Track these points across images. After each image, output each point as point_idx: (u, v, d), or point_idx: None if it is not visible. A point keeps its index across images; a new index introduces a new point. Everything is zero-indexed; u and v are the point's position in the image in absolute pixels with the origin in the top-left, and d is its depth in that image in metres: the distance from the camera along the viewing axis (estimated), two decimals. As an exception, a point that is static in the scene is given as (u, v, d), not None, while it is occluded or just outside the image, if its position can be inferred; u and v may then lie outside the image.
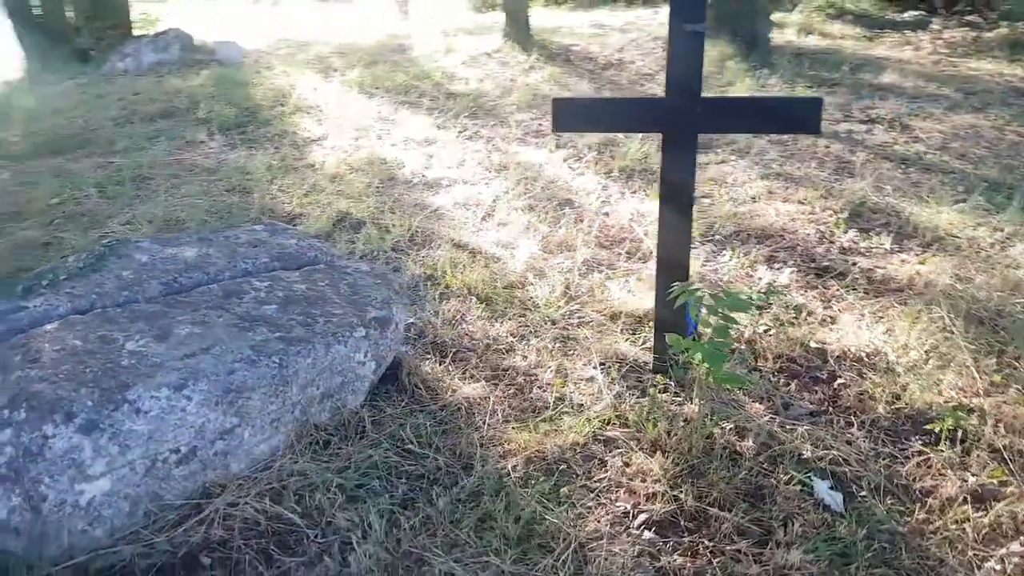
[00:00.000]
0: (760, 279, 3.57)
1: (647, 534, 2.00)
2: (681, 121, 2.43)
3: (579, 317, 3.22)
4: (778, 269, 3.65)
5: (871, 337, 2.93)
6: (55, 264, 2.47)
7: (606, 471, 2.24)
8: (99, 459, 1.85)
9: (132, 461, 1.91)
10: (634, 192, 4.73)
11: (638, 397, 2.61)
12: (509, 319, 3.18)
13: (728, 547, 1.94)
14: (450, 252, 3.82)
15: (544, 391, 2.65)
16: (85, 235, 4.02)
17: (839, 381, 2.68)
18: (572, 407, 2.55)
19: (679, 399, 2.57)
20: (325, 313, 2.45)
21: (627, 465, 2.26)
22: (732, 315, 2.38)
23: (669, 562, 1.90)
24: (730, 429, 2.41)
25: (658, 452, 2.30)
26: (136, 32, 11.53)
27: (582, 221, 4.24)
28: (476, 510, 2.05)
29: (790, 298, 3.33)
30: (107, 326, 2.19)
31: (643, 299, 3.20)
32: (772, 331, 3.02)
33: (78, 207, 4.48)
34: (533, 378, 2.73)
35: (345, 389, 2.38)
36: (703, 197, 4.67)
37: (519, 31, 9.56)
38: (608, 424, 2.46)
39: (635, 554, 1.92)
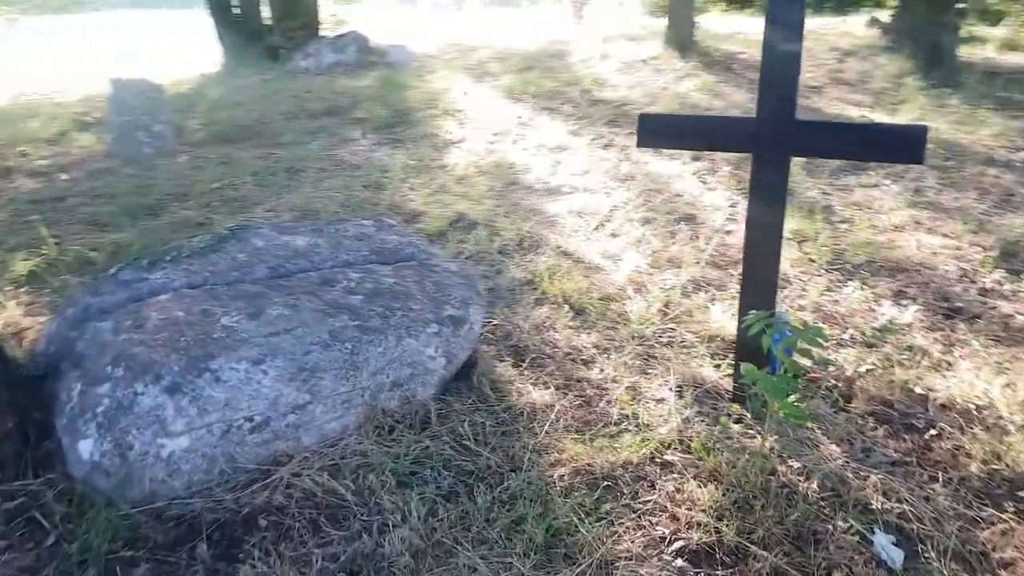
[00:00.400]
0: (881, 315, 3.34)
1: (679, 562, 1.96)
2: (772, 143, 2.34)
3: (670, 336, 3.17)
4: (904, 306, 3.39)
5: (986, 388, 2.66)
6: (182, 243, 2.78)
7: (654, 493, 2.21)
8: (179, 418, 2.08)
9: (209, 424, 2.13)
10: None
11: (708, 424, 2.54)
12: (597, 331, 3.19)
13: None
14: (554, 259, 3.87)
15: (612, 406, 2.65)
16: (234, 218, 4.46)
17: (934, 431, 2.47)
18: (636, 426, 2.53)
19: (751, 431, 2.48)
20: (404, 307, 2.58)
21: (678, 491, 2.22)
22: (808, 348, 2.27)
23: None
24: (796, 468, 2.29)
25: (713, 482, 2.23)
26: (323, 33, 12.48)
27: (699, 238, 4.14)
28: (512, 512, 2.10)
29: (908, 338, 3.10)
30: (210, 301, 2.45)
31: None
32: (877, 371, 2.82)
33: (234, 192, 4.96)
34: (604, 392, 2.73)
35: (415, 381, 2.50)
36: (841, 222, 4.43)
37: (681, 37, 9.43)
38: (669, 447, 2.42)
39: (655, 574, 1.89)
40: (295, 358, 2.26)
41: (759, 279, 2.49)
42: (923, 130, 2.17)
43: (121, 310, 2.41)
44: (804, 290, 3.58)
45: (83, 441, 2.06)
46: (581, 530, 2.04)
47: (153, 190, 5.01)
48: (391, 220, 3.52)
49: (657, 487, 2.24)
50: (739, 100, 7.21)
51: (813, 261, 3.89)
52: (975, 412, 2.58)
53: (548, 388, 2.76)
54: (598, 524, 2.08)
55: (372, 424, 2.45)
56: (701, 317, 3.31)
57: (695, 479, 2.26)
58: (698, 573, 1.93)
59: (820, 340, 2.35)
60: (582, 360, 2.99)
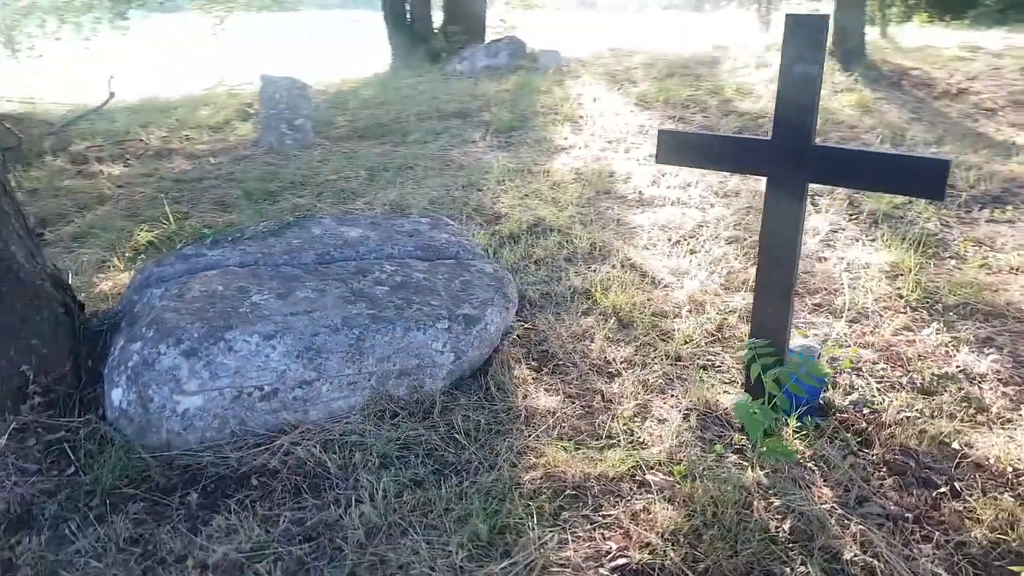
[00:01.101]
0: (955, 362, 3.07)
1: (616, 579, 1.97)
2: (786, 168, 2.26)
3: (709, 359, 3.11)
4: (986, 354, 3.10)
5: None
6: (247, 226, 3.10)
7: (617, 509, 2.21)
8: (193, 379, 2.36)
9: (221, 388, 2.40)
10: (871, 240, 4.29)
11: (703, 450, 2.48)
12: (634, 346, 3.18)
13: (685, 620, 1.84)
14: (619, 271, 3.87)
15: (613, 420, 2.65)
16: (338, 207, 4.83)
17: (948, 489, 2.27)
18: (630, 443, 2.53)
19: (745, 463, 2.40)
20: (423, 302, 2.74)
21: (644, 511, 2.21)
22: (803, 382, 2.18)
23: (617, 612, 1.86)
24: (775, 506, 2.20)
25: (682, 507, 2.20)
26: (492, 38, 12.98)
27: None
28: (469, 505, 2.18)
29: (972, 388, 2.84)
30: (250, 280, 2.73)
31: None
32: (918, 418, 2.62)
33: (345, 184, 5.36)
34: (611, 406, 2.74)
35: (423, 372, 2.65)
36: (951, 258, 4.09)
37: (848, 48, 8.95)
38: (652, 467, 2.40)
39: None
40: (303, 337, 2.47)
41: (769, 310, 2.40)
42: (945, 165, 2.01)
43: (174, 280, 2.75)
44: (878, 327, 3.36)
45: (115, 390, 2.39)
46: (528, 532, 2.09)
47: (279, 178, 5.52)
48: (448, 219, 3.69)
49: (623, 504, 2.23)
50: (892, 120, 6.74)
51: (901, 297, 3.63)
52: (1011, 477, 2.34)
53: (558, 395, 2.81)
54: (549, 529, 2.12)
55: (377, 408, 2.62)
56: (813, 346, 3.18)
57: (666, 501, 2.23)
58: (629, 592, 1.93)
59: (814, 377, 2.25)
60: (607, 372, 3.00)
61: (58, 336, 2.51)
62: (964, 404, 2.74)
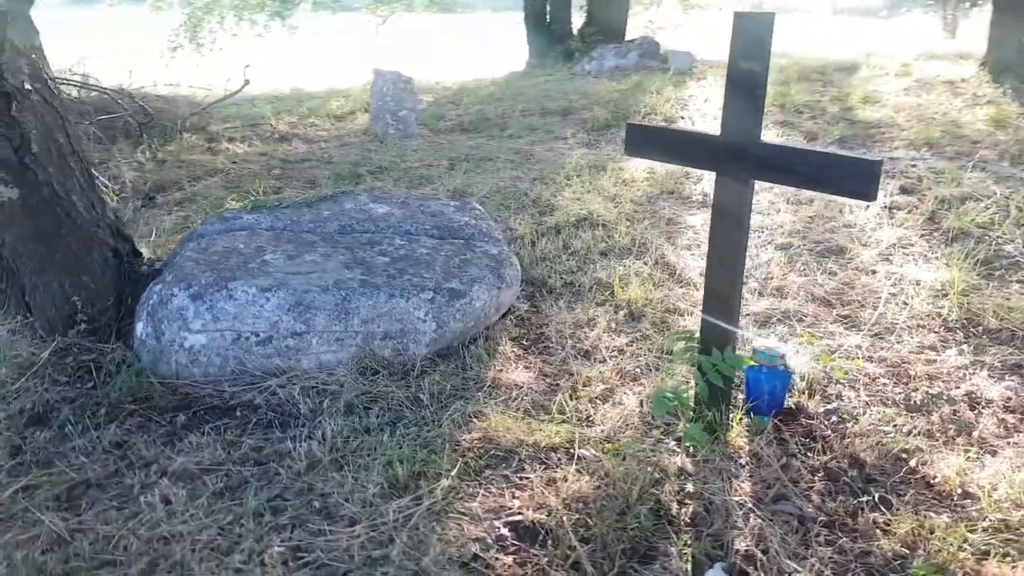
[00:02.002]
0: (964, 387, 2.93)
1: (503, 530, 2.12)
2: (731, 163, 2.30)
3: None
4: (1003, 380, 2.94)
5: (1002, 480, 2.29)
6: (288, 196, 3.49)
7: (535, 473, 2.36)
8: (197, 320, 2.75)
9: (222, 330, 2.77)
10: (936, 257, 4.09)
11: (645, 434, 2.57)
12: (633, 337, 3.26)
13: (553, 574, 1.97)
14: (648, 267, 3.94)
15: (574, 399, 2.77)
16: (409, 191, 5.20)
17: (874, 500, 2.22)
18: (579, 420, 2.64)
19: (679, 450, 2.47)
20: (416, 274, 3.00)
21: (562, 479, 2.33)
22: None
23: (496, 558, 2.02)
24: (687, 491, 2.27)
25: (596, 480, 2.31)
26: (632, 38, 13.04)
27: (827, 273, 3.87)
28: (398, 452, 2.41)
29: (965, 413, 2.72)
30: (270, 241, 3.11)
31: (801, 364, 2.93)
32: (887, 432, 2.56)
33: (425, 171, 5.73)
34: (579, 387, 2.85)
35: (407, 337, 2.91)
36: (1018, 282, 3.82)
37: (1001, 59, 8.33)
38: (586, 444, 2.51)
39: (476, 537, 2.08)
40: (295, 294, 2.80)
41: (718, 307, 2.45)
42: (875, 165, 2.00)
43: (208, 237, 3.18)
44: (899, 343, 3.24)
45: (139, 323, 2.83)
46: (443, 480, 2.29)
47: (369, 163, 5.99)
48: (477, 205, 3.91)
49: (543, 470, 2.37)
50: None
51: (940, 317, 3.46)
52: (955, 498, 2.25)
53: (532, 373, 2.97)
54: (466, 482, 2.31)
55: (361, 364, 2.90)
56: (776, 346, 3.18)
57: (584, 473, 2.35)
58: (509, 542, 2.08)
59: (733, 368, 2.28)
60: (592, 358, 3.10)
61: (105, 275, 2.99)
62: (948, 426, 2.62)
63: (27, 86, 2.70)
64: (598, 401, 2.77)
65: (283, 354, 2.82)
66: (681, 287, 3.77)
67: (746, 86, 2.20)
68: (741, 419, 2.59)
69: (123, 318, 2.94)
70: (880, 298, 3.63)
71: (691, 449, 2.45)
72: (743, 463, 2.41)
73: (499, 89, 9.83)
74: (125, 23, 19.88)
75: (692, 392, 2.60)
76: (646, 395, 2.79)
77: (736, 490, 2.28)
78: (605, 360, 3.09)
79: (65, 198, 2.87)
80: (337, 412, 2.66)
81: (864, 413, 2.71)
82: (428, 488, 2.26)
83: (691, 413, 2.48)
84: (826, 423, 2.65)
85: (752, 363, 2.41)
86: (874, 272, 3.96)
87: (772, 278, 3.82)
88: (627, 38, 12.76)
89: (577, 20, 13.58)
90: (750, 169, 2.25)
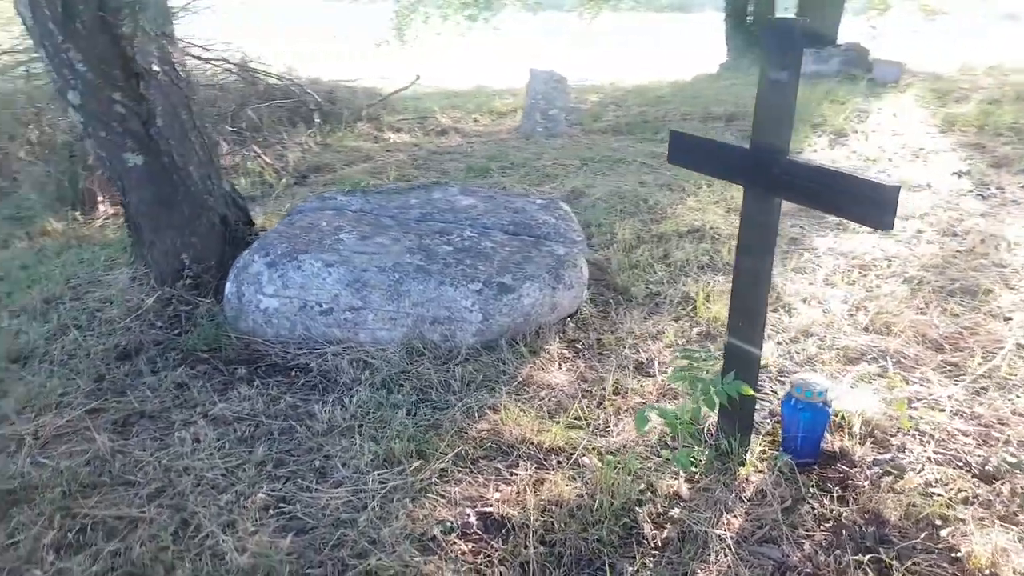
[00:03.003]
0: (1001, 442, 2.57)
1: (472, 518, 2.18)
2: (758, 179, 2.18)
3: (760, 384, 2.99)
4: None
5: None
6: (390, 183, 3.74)
7: (526, 471, 2.38)
8: (270, 285, 3.05)
9: (290, 297, 3.06)
10: None
11: (655, 452, 2.50)
12: None
13: (502, 570, 2.00)
14: None
15: (600, 408, 2.75)
16: (532, 188, 5.32)
17: (874, 560, 2.02)
18: (594, 428, 2.62)
19: (683, 472, 2.38)
20: (471, 266, 3.11)
21: (551, 482, 2.35)
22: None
23: (453, 543, 2.09)
24: (671, 515, 2.19)
25: (583, 487, 2.29)
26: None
27: (948, 313, 3.49)
28: (406, 431, 2.54)
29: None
30: (351, 222, 3.37)
31: (863, 407, 2.69)
32: (932, 498, 2.30)
33: (552, 170, 5.82)
34: (612, 397, 2.81)
35: (454, 324, 3.03)
36: None
37: None
38: (592, 451, 2.49)
39: (442, 520, 2.16)
40: (354, 271, 3.02)
41: (742, 328, 2.32)
42: (892, 192, 1.82)
43: (302, 213, 3.50)
44: (1002, 402, 2.87)
45: (228, 283, 3.19)
46: (434, 462, 2.39)
47: (504, 158, 6.18)
48: (564, 205, 3.93)
49: (535, 470, 2.40)
50: None
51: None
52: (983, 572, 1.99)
53: (570, 376, 2.97)
54: (457, 467, 2.39)
55: (411, 344, 3.07)
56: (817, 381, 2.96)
57: (574, 480, 2.34)
58: (472, 530, 2.13)
59: (735, 393, 2.17)
60: (642, 371, 3.03)
61: (212, 238, 3.40)
62: (1014, 499, 2.30)
63: (155, 68, 3.14)
64: (624, 413, 2.72)
65: (342, 325, 3.05)
66: (773, 311, 3.56)
67: (773, 99, 2.07)
68: (764, 452, 2.44)
69: (222, 278, 3.32)
70: (1002, 348, 3.20)
71: (695, 475, 2.35)
72: (745, 497, 2.27)
73: (673, 91, 9.65)
74: (332, 16, 21.57)
75: (714, 416, 2.48)
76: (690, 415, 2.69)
77: (723, 524, 2.16)
78: (655, 375, 3.01)
79: (183, 168, 3.30)
80: (372, 385, 2.83)
81: (920, 470, 2.44)
82: (417, 466, 2.36)
83: (687, 436, 2.37)
84: (867, 473, 2.41)
85: (741, 391, 2.25)
86: (1008, 319, 3.49)
87: (883, 313, 3.48)
88: (838, 43, 11.94)
89: (783, 22, 12.90)
90: (773, 186, 2.12)
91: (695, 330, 3.38)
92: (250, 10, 18.06)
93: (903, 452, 2.54)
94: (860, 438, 2.57)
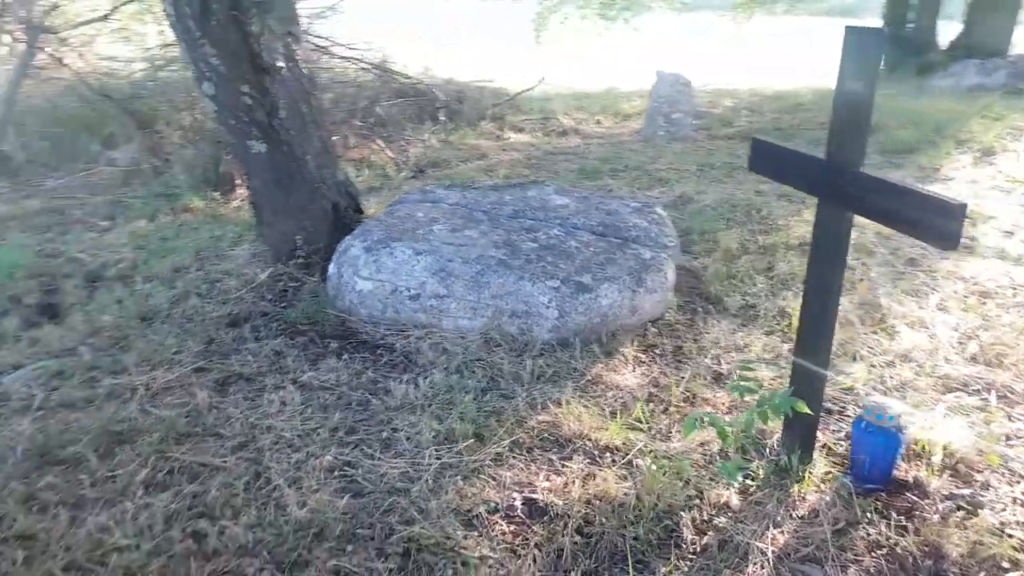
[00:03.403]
0: None
1: (517, 502, 2.27)
2: (829, 191, 2.13)
3: (842, 405, 2.91)
4: None
5: None
6: (488, 180, 3.89)
7: (577, 465, 2.44)
8: (365, 268, 3.27)
9: (382, 281, 3.27)
10: None
11: (711, 460, 2.49)
12: (780, 372, 3.08)
13: (536, 553, 2.08)
14: (851, 306, 3.58)
15: (664, 415, 2.75)
16: (638, 192, 5.33)
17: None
18: (653, 433, 2.64)
19: (751, 483, 2.35)
20: (552, 263, 3.20)
21: (598, 477, 2.39)
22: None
23: (495, 523, 2.19)
24: (716, 524, 2.19)
25: (627, 488, 2.32)
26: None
27: None
28: (470, 414, 2.66)
29: None
30: (444, 215, 3.54)
31: (949, 438, 2.56)
32: (1003, 538, 2.17)
33: (665, 175, 5.78)
34: (679, 407, 2.80)
35: (531, 319, 3.13)
36: None
37: None
38: (647, 455, 2.51)
39: (489, 500, 2.26)
40: (440, 260, 3.18)
41: (809, 343, 2.28)
42: (959, 210, 1.75)
43: (404, 204, 3.71)
44: None
45: (331, 264, 3.45)
46: (491, 446, 2.50)
47: (619, 161, 6.19)
48: (659, 209, 3.92)
49: (588, 464, 2.45)
50: None
51: None
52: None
53: (643, 379, 2.99)
54: (511, 453, 2.48)
55: (488, 335, 3.19)
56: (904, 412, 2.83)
57: (624, 478, 2.38)
58: (516, 513, 2.22)
59: (789, 409, 2.14)
60: (722, 383, 2.98)
61: (323, 222, 3.68)
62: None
63: (280, 64, 3.43)
64: (680, 423, 2.70)
65: (428, 311, 3.22)
66: (873, 332, 3.40)
67: (847, 110, 2.02)
68: (829, 473, 2.37)
69: (328, 259, 3.58)
70: None
71: (750, 487, 2.32)
72: (797, 515, 2.22)
73: (816, 99, 9.25)
74: (475, 15, 21.98)
75: (773, 427, 2.44)
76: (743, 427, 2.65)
77: (767, 538, 2.13)
78: (717, 390, 2.97)
79: (301, 157, 3.59)
80: (447, 369, 2.98)
81: (1001, 510, 2.29)
82: (474, 448, 2.48)
83: (750, 449, 2.34)
84: (939, 506, 2.30)
85: (796, 407, 2.19)
86: None
87: (996, 344, 3.25)
88: (1007, 55, 11.04)
89: (949, 31, 12.09)
90: (844, 199, 2.07)
91: (786, 346, 3.28)
92: (402, 11, 18.91)
93: (986, 489, 2.39)
94: (940, 470, 2.44)
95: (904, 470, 2.45)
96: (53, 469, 2.31)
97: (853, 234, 4.19)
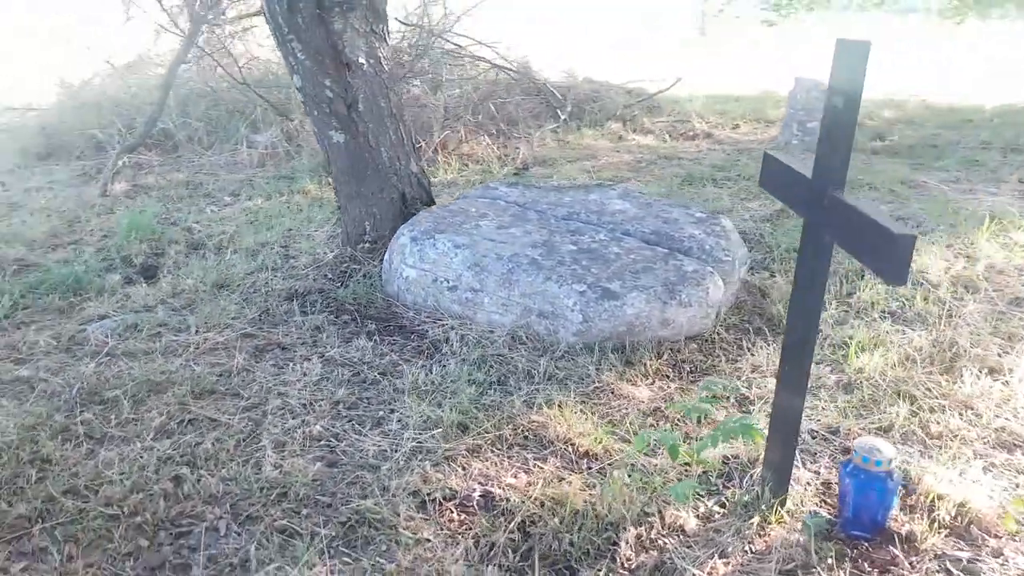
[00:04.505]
0: None
1: (477, 495, 2.35)
2: (810, 211, 2.02)
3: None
4: None
5: None
6: (569, 181, 3.95)
7: (551, 466, 2.47)
8: (410, 257, 3.45)
9: (425, 270, 3.44)
10: None
11: (685, 479, 2.43)
12: (815, 405, 2.92)
13: (470, 543, 2.15)
14: (924, 342, 3.29)
15: (655, 427, 2.71)
16: (738, 199, 5.13)
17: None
18: (644, 445, 2.59)
19: (719, 510, 2.28)
20: (584, 267, 3.21)
21: (565, 480, 2.41)
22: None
23: (448, 509, 2.28)
24: (660, 544, 2.15)
25: (594, 494, 2.32)
26: None
27: None
28: (460, 404, 2.75)
29: None
30: (497, 211, 3.64)
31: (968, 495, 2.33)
32: None
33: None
34: (676, 423, 2.75)
35: (557, 320, 3.17)
36: None
37: None
38: (623, 466, 2.48)
39: (448, 487, 2.36)
40: (475, 255, 3.29)
41: (790, 370, 2.17)
42: (906, 241, 1.62)
43: (467, 199, 3.85)
44: None
45: (387, 251, 3.67)
46: (469, 438, 2.58)
47: (732, 169, 5.96)
48: (726, 221, 3.76)
49: (560, 466, 2.47)
50: None
51: None
52: None
53: (655, 393, 2.92)
54: (490, 446, 2.56)
55: (515, 332, 3.26)
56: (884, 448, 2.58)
57: (589, 487, 2.38)
58: (471, 504, 2.30)
59: (745, 434, 2.06)
60: (743, 406, 2.86)
61: (390, 211, 3.90)
62: None
63: (361, 60, 3.68)
64: (692, 440, 2.63)
65: (463, 303, 3.35)
66: (940, 373, 3.09)
67: (829, 126, 1.91)
68: (814, 512, 2.24)
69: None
70: None
71: (717, 514, 2.24)
72: (753, 550, 2.12)
73: (993, 115, 8.36)
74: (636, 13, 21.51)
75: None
76: (734, 454, 2.55)
77: (708, 568, 2.06)
78: (751, 412, 2.85)
79: (375, 147, 3.83)
80: (465, 360, 3.08)
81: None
82: (455, 437, 2.57)
83: (720, 478, 2.25)
84: (926, 566, 2.10)
85: (749, 434, 2.07)
86: None
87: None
88: None
89: None
90: (821, 221, 1.95)
91: (833, 377, 3.08)
92: (570, 6, 19.01)
93: (995, 556, 2.14)
94: (944, 527, 2.22)
95: (901, 522, 2.25)
96: (93, 408, 2.68)
97: (959, 266, 3.85)
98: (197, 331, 3.26)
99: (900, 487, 2.19)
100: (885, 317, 3.54)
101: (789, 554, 2.07)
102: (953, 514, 2.27)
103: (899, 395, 2.92)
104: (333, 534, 2.14)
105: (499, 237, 3.40)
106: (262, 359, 3.08)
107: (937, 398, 2.90)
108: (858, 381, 3.02)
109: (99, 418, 2.61)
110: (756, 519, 2.19)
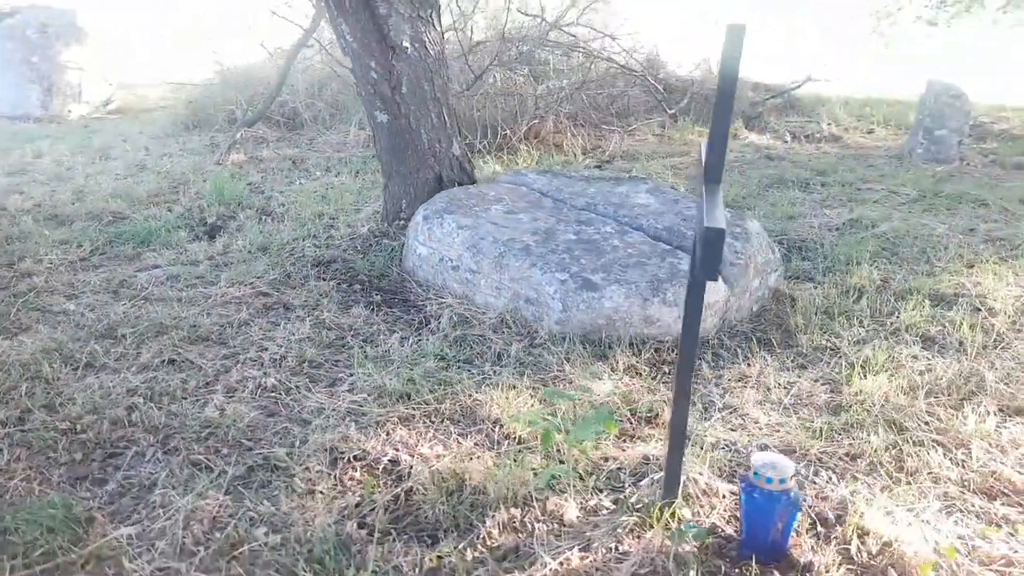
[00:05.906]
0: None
1: (385, 461, 2.45)
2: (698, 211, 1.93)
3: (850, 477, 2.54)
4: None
5: None
6: (581, 169, 3.92)
7: (470, 442, 2.52)
8: (421, 235, 3.59)
9: (433, 248, 3.57)
10: None
11: (608, 474, 2.39)
12: (786, 430, 2.75)
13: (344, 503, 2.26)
14: (946, 372, 2.98)
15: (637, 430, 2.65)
16: (817, 205, 4.79)
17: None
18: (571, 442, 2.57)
19: (607, 506, 2.24)
20: (573, 257, 3.19)
21: (479, 456, 2.45)
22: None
23: (353, 468, 2.41)
24: (532, 528, 2.15)
25: (497, 467, 2.35)
26: None
27: None
28: (417, 375, 2.85)
29: None
30: (514, 196, 3.68)
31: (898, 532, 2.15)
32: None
33: (864, 196, 5.05)
34: (640, 424, 2.68)
35: (541, 307, 3.17)
36: None
37: None
38: (553, 447, 2.47)
39: (363, 447, 2.48)
40: (474, 237, 3.37)
41: (681, 374, 2.09)
42: (716, 235, 1.54)
43: (496, 183, 3.92)
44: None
45: (409, 228, 3.84)
46: (406, 407, 2.68)
47: (830, 175, 5.54)
48: (753, 223, 3.54)
49: (475, 448, 2.51)
50: None
51: None
52: None
53: (617, 388, 2.85)
54: (425, 417, 2.65)
55: (507, 315, 3.31)
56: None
57: (505, 464, 2.40)
58: (379, 467, 2.40)
59: (598, 429, 2.01)
60: (704, 415, 2.75)
61: (425, 190, 4.05)
62: None
63: (405, 44, 3.85)
64: (632, 439, 2.56)
65: (464, 283, 3.44)
66: (950, 409, 2.78)
67: (717, 134, 1.81)
68: (711, 526, 2.14)
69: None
70: None
71: (601, 509, 2.20)
72: (617, 549, 2.06)
73: None
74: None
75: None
76: (656, 454, 2.46)
77: (563, 559, 2.03)
78: (710, 421, 2.72)
79: (415, 130, 4.00)
80: (446, 337, 3.18)
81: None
82: (390, 404, 2.68)
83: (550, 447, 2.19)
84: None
85: (589, 439, 1.99)
86: None
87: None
88: None
89: None
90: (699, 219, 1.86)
91: (825, 397, 2.87)
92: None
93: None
94: (853, 562, 2.03)
95: (807, 548, 2.08)
96: (104, 341, 3.06)
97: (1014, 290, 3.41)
98: (223, 286, 3.59)
99: (797, 510, 2.02)
100: (918, 341, 3.20)
101: (650, 559, 1.99)
102: (874, 551, 2.06)
103: (890, 424, 2.66)
104: (236, 473, 2.33)
105: (503, 222, 3.45)
106: (264, 316, 3.34)
107: (930, 432, 2.61)
108: (850, 404, 2.77)
109: (103, 350, 2.98)
110: (631, 519, 2.11)
